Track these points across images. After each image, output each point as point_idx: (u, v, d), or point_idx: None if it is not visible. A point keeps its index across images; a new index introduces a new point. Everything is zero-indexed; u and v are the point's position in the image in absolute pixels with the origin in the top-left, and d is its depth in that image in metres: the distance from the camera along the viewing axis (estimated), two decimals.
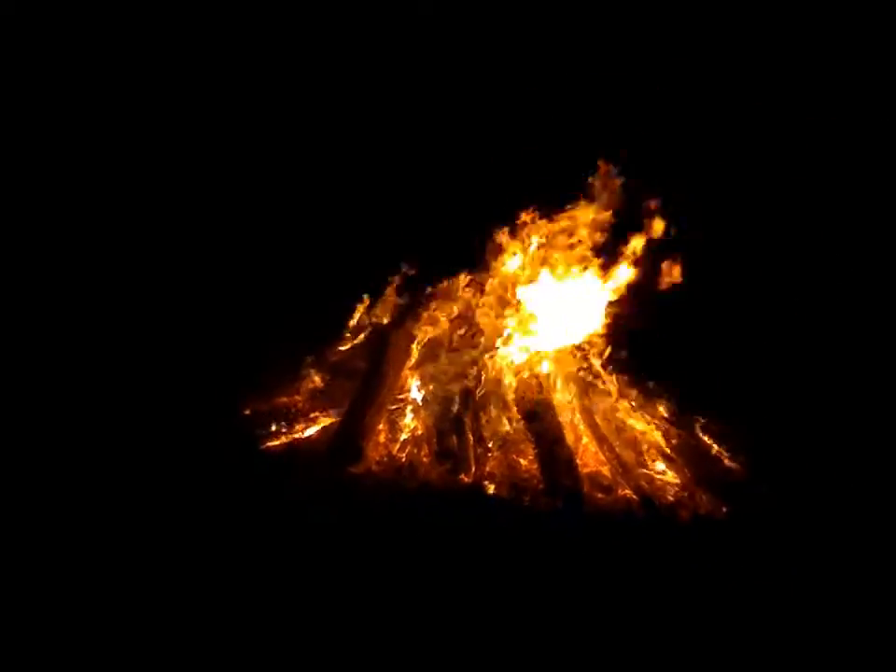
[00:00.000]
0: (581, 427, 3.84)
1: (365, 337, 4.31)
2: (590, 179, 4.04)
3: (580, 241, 4.03)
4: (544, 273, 4.09)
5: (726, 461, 3.69)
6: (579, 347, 4.03)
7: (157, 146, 5.82)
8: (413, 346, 4.03)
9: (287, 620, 2.58)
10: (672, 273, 3.88)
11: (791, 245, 5.07)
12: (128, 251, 5.40)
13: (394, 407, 3.94)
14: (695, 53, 5.44)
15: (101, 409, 3.93)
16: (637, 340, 4.08)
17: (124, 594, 2.69)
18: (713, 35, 5.47)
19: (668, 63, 5.44)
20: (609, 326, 4.00)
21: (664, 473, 3.62)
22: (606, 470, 3.65)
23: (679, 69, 5.42)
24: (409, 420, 3.89)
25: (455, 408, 3.79)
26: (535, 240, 4.13)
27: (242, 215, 5.66)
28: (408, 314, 4.11)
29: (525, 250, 4.14)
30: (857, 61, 5.22)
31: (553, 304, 4.08)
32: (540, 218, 4.11)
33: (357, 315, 4.40)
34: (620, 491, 3.52)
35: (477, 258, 4.22)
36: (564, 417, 3.86)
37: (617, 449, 3.62)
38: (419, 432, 3.81)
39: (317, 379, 4.21)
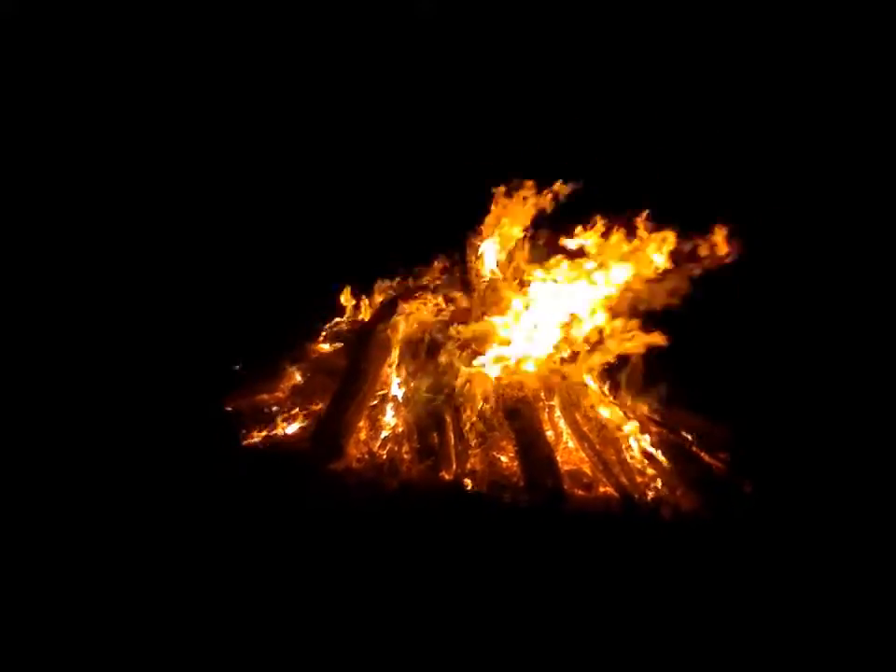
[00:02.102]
0: (562, 424, 3.83)
1: (346, 334, 4.29)
2: None
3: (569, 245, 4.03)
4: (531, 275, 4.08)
5: (707, 459, 3.68)
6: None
7: (131, 144, 5.83)
8: (394, 343, 3.99)
9: (267, 615, 2.56)
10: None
11: (770, 245, 5.09)
12: (112, 250, 5.41)
13: (374, 404, 3.92)
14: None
15: (82, 405, 3.93)
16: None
17: (99, 583, 2.69)
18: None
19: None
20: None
21: (644, 471, 3.60)
22: (586, 468, 3.65)
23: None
24: (390, 417, 3.88)
25: (436, 405, 3.76)
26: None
27: (224, 213, 5.67)
28: (389, 311, 4.08)
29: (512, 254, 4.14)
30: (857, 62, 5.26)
31: (538, 306, 4.07)
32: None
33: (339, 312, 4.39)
34: (600, 488, 3.52)
35: (460, 254, 4.22)
36: (544, 415, 3.85)
37: (598, 446, 3.60)
38: (400, 429, 3.79)
39: (298, 376, 4.20)
